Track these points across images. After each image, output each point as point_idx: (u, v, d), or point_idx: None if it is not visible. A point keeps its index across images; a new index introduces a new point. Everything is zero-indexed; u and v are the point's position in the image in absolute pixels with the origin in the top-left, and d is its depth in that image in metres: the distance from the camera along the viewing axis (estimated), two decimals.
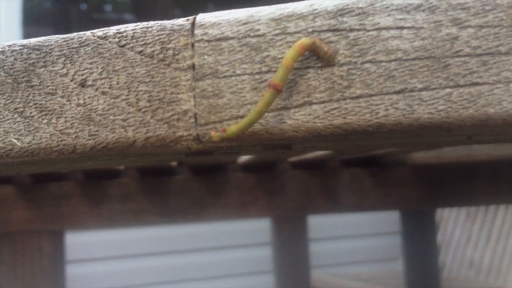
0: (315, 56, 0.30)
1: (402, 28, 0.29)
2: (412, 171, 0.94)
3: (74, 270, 2.00)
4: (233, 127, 0.30)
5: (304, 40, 0.30)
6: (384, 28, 0.30)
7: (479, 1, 0.29)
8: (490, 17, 0.29)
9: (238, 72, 0.31)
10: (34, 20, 2.90)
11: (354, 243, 2.68)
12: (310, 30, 0.30)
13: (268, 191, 0.90)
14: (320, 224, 2.32)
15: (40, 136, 0.33)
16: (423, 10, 0.29)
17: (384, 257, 2.62)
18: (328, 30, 0.30)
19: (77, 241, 2.13)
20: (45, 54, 0.33)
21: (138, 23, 0.32)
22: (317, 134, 0.30)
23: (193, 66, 0.31)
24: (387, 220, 2.46)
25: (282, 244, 1.28)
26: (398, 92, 0.29)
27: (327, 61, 0.30)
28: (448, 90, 0.29)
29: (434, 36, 0.29)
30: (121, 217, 0.86)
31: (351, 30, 0.30)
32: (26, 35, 2.40)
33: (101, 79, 0.32)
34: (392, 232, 2.41)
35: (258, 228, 2.28)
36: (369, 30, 0.30)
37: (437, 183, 0.94)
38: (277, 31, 0.31)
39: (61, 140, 0.33)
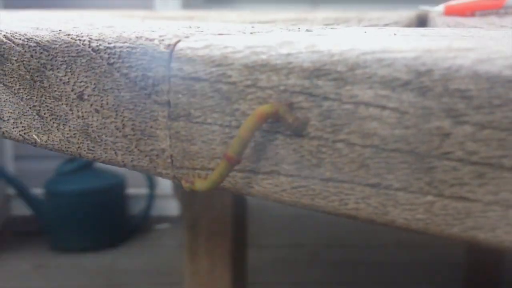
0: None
1: (383, 107, 0.23)
2: None
3: None
4: (199, 183, 0.27)
5: (265, 108, 0.24)
6: (363, 103, 0.23)
7: (485, 91, 0.21)
8: (498, 116, 0.21)
9: (209, 120, 0.27)
10: None
11: None
12: (282, 88, 0.25)
13: None
14: None
15: (53, 138, 0.33)
16: (412, 90, 0.22)
17: None
18: (301, 93, 0.24)
19: None
20: (52, 57, 0.32)
21: (128, 39, 0.29)
22: (287, 204, 0.26)
23: (168, 103, 0.28)
24: None
25: None
26: (371, 186, 0.23)
27: (295, 130, 0.25)
28: (430, 198, 0.22)
29: (421, 127, 0.22)
30: None
31: (326, 98, 0.24)
32: None
33: (94, 95, 0.30)
34: None
35: None
36: (345, 103, 0.23)
37: None
38: (249, 82, 0.25)
39: (68, 148, 0.32)
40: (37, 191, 2.24)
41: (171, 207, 2.44)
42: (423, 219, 0.23)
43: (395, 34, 0.33)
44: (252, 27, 0.42)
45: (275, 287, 1.88)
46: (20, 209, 2.38)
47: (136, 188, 2.28)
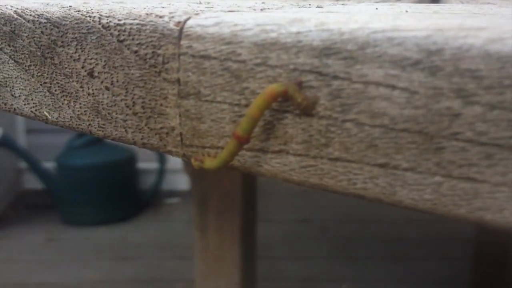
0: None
1: (393, 87, 0.22)
2: None
3: None
4: (208, 161, 0.27)
5: (275, 87, 0.24)
6: (373, 83, 0.23)
7: (496, 70, 0.20)
8: (508, 96, 0.20)
9: (219, 99, 0.27)
10: None
11: None
12: (291, 67, 0.25)
13: None
14: None
15: (64, 115, 0.33)
16: (422, 69, 0.22)
17: None
18: (311, 72, 0.24)
19: None
20: (62, 33, 0.32)
21: (138, 16, 0.29)
22: (295, 183, 0.26)
23: (178, 81, 0.28)
24: None
25: None
26: (379, 166, 0.23)
27: (304, 110, 0.24)
28: (438, 178, 0.22)
29: (431, 107, 0.22)
30: None
31: (335, 77, 0.24)
32: None
33: (105, 73, 0.30)
34: None
35: None
36: (354, 82, 0.23)
37: None
38: (258, 60, 0.25)
39: (79, 124, 0.33)
40: (49, 165, 2.25)
41: (181, 181, 2.45)
42: (431, 200, 0.23)
43: (406, 11, 0.33)
44: (263, 3, 0.42)
45: (284, 261, 1.89)
46: (32, 182, 2.40)
47: (146, 163, 2.29)
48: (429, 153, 0.22)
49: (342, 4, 0.38)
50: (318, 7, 0.36)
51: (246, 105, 0.26)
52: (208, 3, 0.39)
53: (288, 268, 1.85)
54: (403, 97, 0.22)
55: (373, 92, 0.23)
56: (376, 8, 0.34)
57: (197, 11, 0.30)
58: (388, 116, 0.23)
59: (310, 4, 0.37)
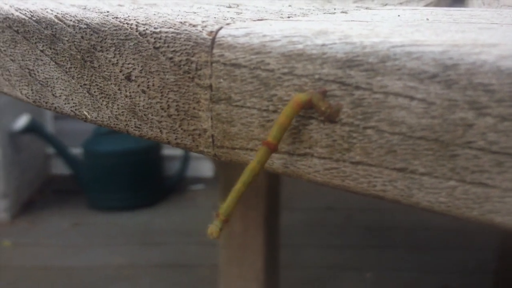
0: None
1: (411, 98, 0.24)
2: None
3: None
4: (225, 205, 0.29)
5: (301, 97, 0.26)
6: (392, 94, 0.25)
7: (507, 85, 0.22)
8: None
9: (248, 104, 0.29)
10: None
11: None
12: (316, 77, 0.26)
13: None
14: None
15: (102, 115, 0.35)
16: (439, 82, 0.24)
17: None
18: (334, 82, 0.26)
19: None
20: (101, 39, 0.34)
21: (173, 25, 0.31)
22: (319, 184, 0.28)
23: (210, 87, 0.30)
24: None
25: None
26: (398, 170, 0.25)
27: (328, 117, 0.26)
28: (452, 183, 0.24)
29: (446, 117, 0.24)
30: None
31: (357, 87, 0.25)
32: None
33: (141, 77, 0.33)
34: None
35: None
36: (375, 92, 0.25)
37: None
38: (285, 70, 0.27)
39: (116, 124, 0.35)
40: (76, 151, 2.29)
41: (205, 168, 2.48)
42: (445, 202, 0.25)
43: (427, 19, 0.34)
44: (289, 5, 0.44)
45: (308, 249, 1.91)
46: (60, 168, 2.44)
47: (171, 150, 2.32)
48: (444, 159, 0.24)
49: (366, 9, 0.40)
50: (342, 12, 0.37)
51: (274, 111, 0.28)
52: (237, 6, 0.41)
53: (312, 256, 1.87)
54: (421, 107, 0.24)
55: (393, 102, 0.25)
56: (398, 15, 0.36)
57: (227, 18, 0.32)
58: (406, 124, 0.25)
59: (335, 9, 0.39)
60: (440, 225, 1.99)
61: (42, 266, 1.82)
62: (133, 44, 0.32)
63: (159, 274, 1.76)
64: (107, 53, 0.34)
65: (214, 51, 0.29)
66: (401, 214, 2.10)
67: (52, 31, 0.37)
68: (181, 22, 0.31)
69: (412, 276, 1.74)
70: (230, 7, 0.39)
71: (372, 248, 1.92)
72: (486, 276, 1.62)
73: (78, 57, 0.35)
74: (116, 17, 0.33)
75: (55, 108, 0.38)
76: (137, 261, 1.85)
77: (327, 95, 0.26)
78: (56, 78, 0.37)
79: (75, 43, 0.35)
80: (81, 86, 0.36)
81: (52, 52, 0.37)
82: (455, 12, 0.40)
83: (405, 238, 1.97)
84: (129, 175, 2.25)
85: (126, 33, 0.33)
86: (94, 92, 0.35)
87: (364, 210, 2.18)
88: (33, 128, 2.20)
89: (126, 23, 0.33)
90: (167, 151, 2.36)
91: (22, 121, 2.17)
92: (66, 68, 0.36)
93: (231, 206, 0.28)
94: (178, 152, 2.37)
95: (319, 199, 2.28)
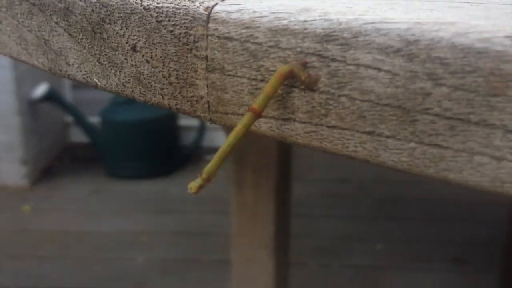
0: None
1: (379, 70, 0.27)
2: None
3: None
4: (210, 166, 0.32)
5: (283, 68, 0.29)
6: (363, 66, 0.28)
7: (460, 59, 0.25)
8: (468, 80, 0.25)
9: (239, 74, 0.32)
10: None
11: None
12: (298, 50, 0.30)
13: None
14: None
15: (111, 82, 0.39)
16: (402, 56, 0.27)
17: None
18: (314, 54, 0.29)
19: None
20: (110, 12, 0.37)
21: (173, 0, 0.34)
22: (300, 146, 0.31)
23: (206, 58, 0.33)
24: None
25: None
26: (367, 133, 0.29)
27: (308, 86, 0.30)
28: (412, 144, 0.27)
29: (408, 87, 0.27)
30: None
31: (333, 60, 0.29)
32: None
33: (145, 48, 0.36)
34: None
35: None
36: (349, 64, 0.28)
37: None
38: (272, 43, 0.30)
39: (123, 91, 0.38)
40: (94, 119, 2.34)
41: (221, 139, 2.52)
42: (407, 161, 0.28)
43: None
44: None
45: (320, 219, 1.95)
46: (78, 136, 2.49)
47: (188, 120, 2.36)
48: (406, 124, 0.27)
49: None
50: None
51: (262, 80, 0.31)
52: None
53: (324, 226, 1.90)
54: (387, 78, 0.27)
55: (363, 73, 0.28)
56: None
57: None
58: (374, 93, 0.28)
59: None
60: (451, 198, 2.01)
61: (60, 230, 1.88)
62: (138, 18, 0.36)
63: (174, 241, 1.81)
64: (115, 26, 0.37)
65: (210, 25, 0.33)
66: (413, 186, 2.13)
67: (65, 5, 0.40)
68: None
69: (423, 248, 1.77)
70: None
71: (383, 220, 1.95)
72: (496, 249, 1.64)
73: (89, 29, 0.39)
74: None
75: (69, 75, 0.42)
76: (153, 228, 1.90)
77: (307, 66, 0.30)
78: (69, 48, 0.41)
79: (86, 16, 0.39)
80: (91, 55, 0.39)
81: (65, 24, 0.41)
82: None
83: (416, 210, 2.00)
84: (145, 144, 2.30)
85: (131, 7, 0.36)
86: (103, 61, 0.39)
87: (377, 182, 2.21)
88: (51, 97, 2.25)
89: None
90: (184, 121, 2.40)
91: (41, 90, 2.22)
92: (78, 39, 0.40)
93: (215, 166, 0.31)
94: (194, 122, 2.41)
95: (333, 171, 2.31)
